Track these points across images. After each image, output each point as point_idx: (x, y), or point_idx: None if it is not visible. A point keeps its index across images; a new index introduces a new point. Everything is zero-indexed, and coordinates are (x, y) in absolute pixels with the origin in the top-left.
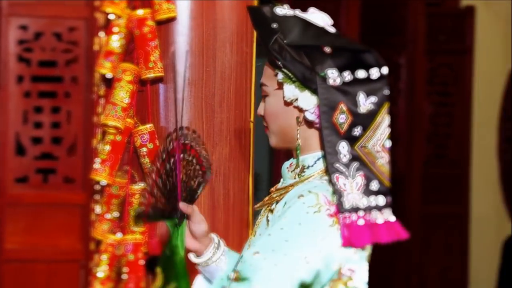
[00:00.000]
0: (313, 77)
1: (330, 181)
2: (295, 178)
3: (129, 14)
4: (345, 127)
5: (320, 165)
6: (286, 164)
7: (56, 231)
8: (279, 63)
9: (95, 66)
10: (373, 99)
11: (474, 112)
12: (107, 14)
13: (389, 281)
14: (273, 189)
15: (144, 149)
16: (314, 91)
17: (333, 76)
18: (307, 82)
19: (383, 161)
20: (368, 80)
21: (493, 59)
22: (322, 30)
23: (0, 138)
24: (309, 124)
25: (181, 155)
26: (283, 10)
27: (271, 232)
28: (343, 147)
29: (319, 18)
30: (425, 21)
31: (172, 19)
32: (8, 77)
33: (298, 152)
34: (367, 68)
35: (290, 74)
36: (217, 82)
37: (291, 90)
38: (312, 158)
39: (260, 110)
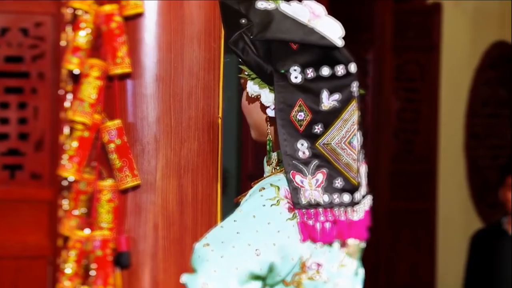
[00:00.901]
0: (272, 74)
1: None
2: (272, 172)
3: (96, 10)
4: (304, 124)
5: None
6: (266, 157)
7: (23, 228)
8: (240, 59)
9: (62, 62)
10: (337, 96)
11: (441, 108)
12: (74, 9)
13: None
14: (255, 181)
15: (112, 145)
16: (273, 89)
17: (295, 74)
18: (266, 79)
19: (349, 158)
20: (333, 77)
21: (459, 55)
22: (296, 25)
23: None
24: (273, 120)
25: None
26: (264, 4)
27: (223, 224)
28: (302, 144)
29: (306, 11)
30: (392, 17)
31: (139, 15)
32: None
33: (268, 147)
34: (333, 65)
35: (249, 71)
36: (185, 78)
37: (252, 87)
38: None
39: (242, 103)
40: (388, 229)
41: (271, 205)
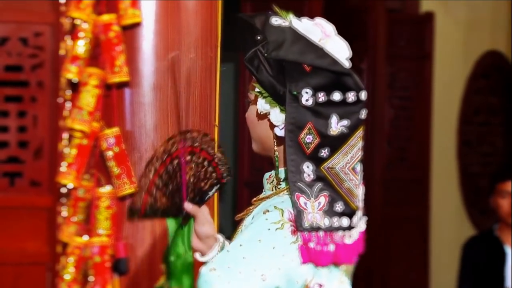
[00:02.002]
0: (285, 94)
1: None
2: (272, 190)
3: (95, 20)
4: (312, 147)
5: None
6: (266, 175)
7: (22, 234)
8: (254, 77)
9: (61, 71)
10: (346, 122)
11: (434, 116)
12: (73, 19)
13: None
14: (255, 199)
15: (110, 152)
16: (284, 109)
17: (307, 96)
18: (278, 99)
19: (351, 184)
20: (343, 103)
21: (452, 64)
22: (309, 46)
23: None
24: (280, 139)
25: (188, 157)
26: (278, 20)
27: (230, 248)
28: (307, 167)
29: (317, 30)
30: (386, 27)
31: (137, 24)
32: None
33: (276, 164)
34: (344, 91)
35: (261, 89)
36: (182, 87)
37: (262, 104)
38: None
39: (247, 115)
40: (382, 234)
41: (276, 229)
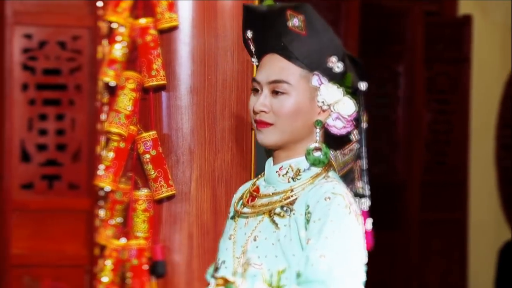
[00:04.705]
0: (357, 83)
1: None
2: (289, 182)
3: (132, 23)
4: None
5: (315, 168)
6: (275, 167)
7: (61, 237)
8: (339, 69)
9: (99, 74)
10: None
11: (472, 119)
12: (110, 23)
13: (388, 287)
14: (259, 194)
15: (147, 155)
16: (353, 97)
17: (362, 87)
18: (354, 89)
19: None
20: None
21: (490, 67)
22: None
23: (5, 145)
24: (312, 128)
25: None
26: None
27: (326, 234)
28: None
29: None
30: (423, 29)
31: (174, 28)
32: (13, 85)
33: (309, 155)
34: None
35: (347, 80)
36: (218, 90)
37: (333, 94)
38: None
39: (260, 106)
40: (419, 239)
41: (349, 213)
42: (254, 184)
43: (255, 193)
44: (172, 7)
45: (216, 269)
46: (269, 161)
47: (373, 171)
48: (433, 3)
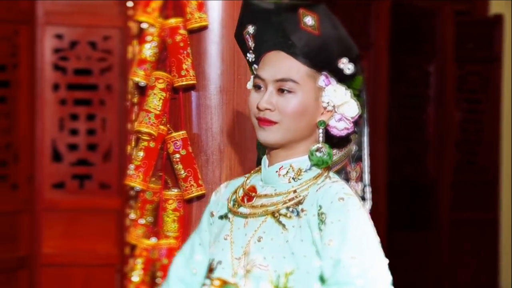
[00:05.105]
0: (364, 86)
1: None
2: (289, 182)
3: (162, 23)
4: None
5: (316, 168)
6: (274, 167)
7: (92, 236)
8: (350, 70)
9: (129, 74)
10: None
11: (503, 119)
12: (140, 23)
13: (419, 287)
14: (258, 194)
15: (177, 155)
16: (358, 99)
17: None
18: (361, 92)
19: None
20: None
21: None
22: None
23: (37, 145)
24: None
25: None
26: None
27: (351, 236)
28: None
29: None
30: (454, 29)
31: (204, 28)
32: (44, 85)
33: (313, 155)
34: None
35: (356, 83)
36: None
37: (341, 95)
38: (308, 161)
39: (265, 103)
40: (450, 239)
41: (365, 213)
42: (245, 183)
43: (252, 193)
44: (201, 7)
45: (211, 270)
46: (265, 160)
47: (404, 171)
48: (464, 2)
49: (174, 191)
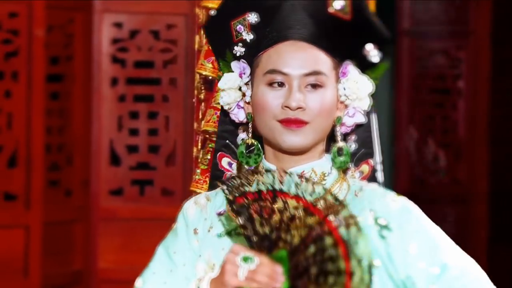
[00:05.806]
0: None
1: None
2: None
3: None
4: None
5: (335, 171)
6: (297, 170)
7: (153, 249)
8: (377, 58)
9: (195, 67)
10: None
11: None
12: (209, 9)
13: None
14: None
15: None
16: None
17: None
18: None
19: None
20: None
21: None
22: None
23: (93, 147)
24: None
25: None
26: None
27: (439, 239)
28: None
29: None
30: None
31: None
32: (101, 79)
33: (336, 158)
34: None
35: (378, 70)
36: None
37: (364, 86)
38: (328, 163)
39: (298, 102)
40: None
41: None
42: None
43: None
44: None
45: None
46: (272, 167)
47: (508, 178)
48: None
49: None
